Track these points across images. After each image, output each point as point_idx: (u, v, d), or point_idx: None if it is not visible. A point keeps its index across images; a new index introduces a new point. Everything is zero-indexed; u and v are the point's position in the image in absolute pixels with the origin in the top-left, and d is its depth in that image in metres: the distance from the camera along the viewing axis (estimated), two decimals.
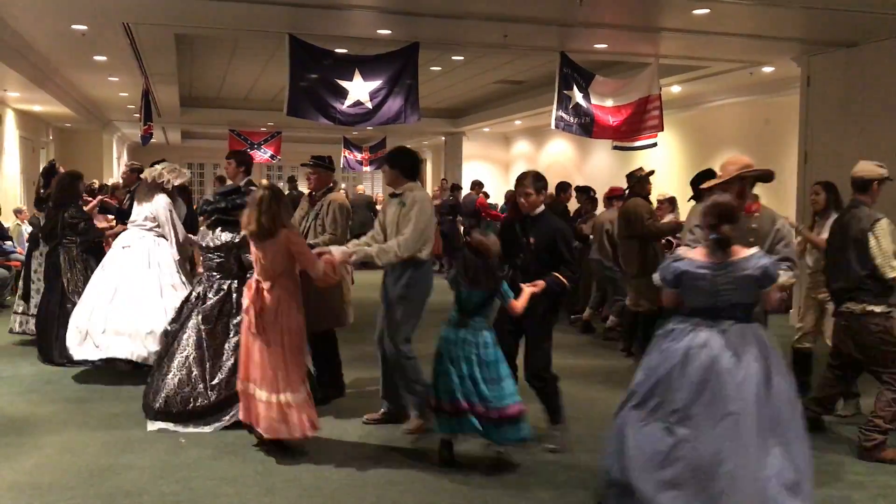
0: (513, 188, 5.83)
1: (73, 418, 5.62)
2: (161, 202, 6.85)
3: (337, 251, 5.19)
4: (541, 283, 4.89)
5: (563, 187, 10.73)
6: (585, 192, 10.81)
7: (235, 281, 5.46)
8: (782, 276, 4.24)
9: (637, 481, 3.74)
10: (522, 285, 4.89)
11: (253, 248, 4.98)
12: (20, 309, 7.98)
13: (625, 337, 8.26)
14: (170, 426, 5.34)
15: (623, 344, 8.22)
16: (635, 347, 7.67)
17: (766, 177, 4.53)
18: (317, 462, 4.79)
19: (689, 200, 6.26)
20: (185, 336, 5.49)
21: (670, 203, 10.24)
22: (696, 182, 6.31)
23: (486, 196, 17.40)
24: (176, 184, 6.95)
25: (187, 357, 5.43)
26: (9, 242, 11.18)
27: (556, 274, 4.95)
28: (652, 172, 8.09)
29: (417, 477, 4.58)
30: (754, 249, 3.93)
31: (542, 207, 5.16)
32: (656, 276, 4.13)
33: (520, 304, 4.82)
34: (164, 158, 7.55)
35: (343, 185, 15.03)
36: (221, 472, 4.61)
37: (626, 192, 8.17)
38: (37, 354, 7.33)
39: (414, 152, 5.77)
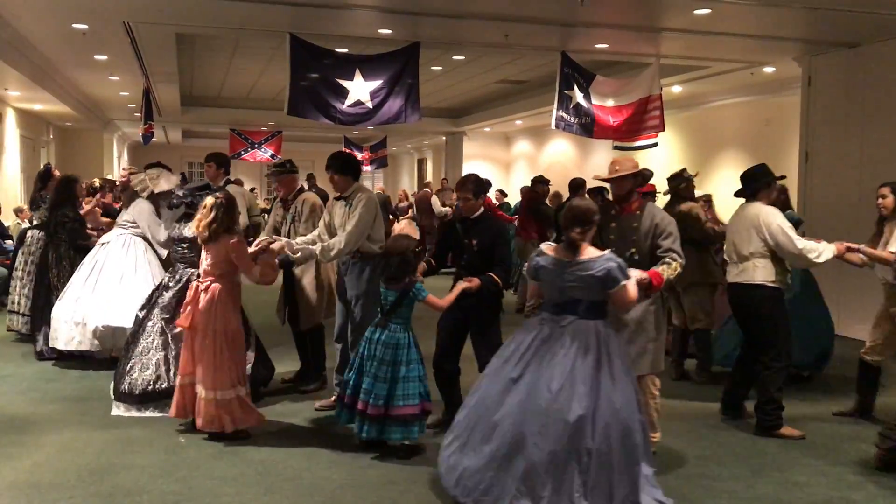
0: (526, 185, 5.79)
1: (73, 417, 5.62)
2: (139, 207, 7.08)
3: (278, 240, 5.45)
4: (476, 281, 5.03)
5: (578, 184, 10.12)
6: (599, 194, 10.54)
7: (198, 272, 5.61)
8: (665, 270, 4.45)
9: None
10: (458, 282, 5.10)
11: (203, 249, 5.23)
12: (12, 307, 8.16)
13: (676, 359, 6.97)
14: (132, 409, 5.60)
15: (675, 370, 6.92)
16: (703, 374, 6.88)
17: (648, 177, 4.88)
18: (317, 462, 4.79)
19: (735, 195, 5.72)
20: (149, 322, 5.76)
21: (707, 202, 9.23)
22: (745, 178, 5.60)
23: (504, 195, 17.10)
24: (157, 191, 7.02)
25: (151, 342, 5.70)
26: (9, 241, 11.18)
27: (491, 274, 5.09)
28: (696, 175, 7.22)
29: (417, 477, 4.57)
30: (605, 252, 4.09)
31: (482, 210, 5.34)
32: (525, 268, 4.30)
33: (447, 298, 5.01)
34: (159, 161, 7.61)
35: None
36: (221, 471, 4.60)
37: (669, 194, 7.06)
38: (33, 352, 7.44)
39: (353, 156, 6.11)
